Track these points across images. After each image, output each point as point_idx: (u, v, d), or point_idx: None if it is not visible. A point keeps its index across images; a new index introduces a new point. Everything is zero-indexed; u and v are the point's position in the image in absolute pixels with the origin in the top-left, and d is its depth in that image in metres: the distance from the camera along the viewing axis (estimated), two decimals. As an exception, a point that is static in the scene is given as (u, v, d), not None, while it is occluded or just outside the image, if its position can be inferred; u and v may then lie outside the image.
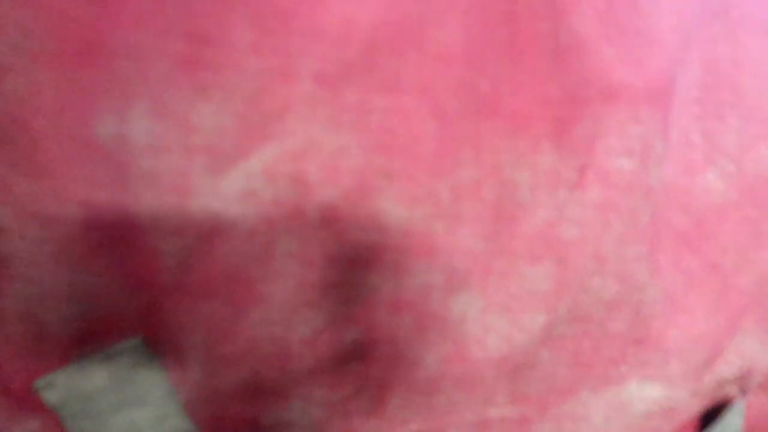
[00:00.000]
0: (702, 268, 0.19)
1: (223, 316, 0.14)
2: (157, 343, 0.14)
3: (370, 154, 0.14)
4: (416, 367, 0.16)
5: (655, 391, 0.20)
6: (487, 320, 0.16)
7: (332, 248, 0.14)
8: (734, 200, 0.19)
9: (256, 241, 0.14)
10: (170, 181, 0.13)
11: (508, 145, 0.16)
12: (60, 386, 0.14)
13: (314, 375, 0.15)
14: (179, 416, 0.14)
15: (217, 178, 0.13)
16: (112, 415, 0.14)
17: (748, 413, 0.31)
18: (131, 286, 0.13)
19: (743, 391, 0.25)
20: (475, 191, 0.15)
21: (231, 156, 0.13)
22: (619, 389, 0.19)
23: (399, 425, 0.16)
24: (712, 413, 0.25)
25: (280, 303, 0.14)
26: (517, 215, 0.16)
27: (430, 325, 0.15)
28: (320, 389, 0.15)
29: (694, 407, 0.24)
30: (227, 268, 0.14)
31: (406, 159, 0.14)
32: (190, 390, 0.14)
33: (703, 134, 0.18)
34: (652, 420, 0.21)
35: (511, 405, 0.17)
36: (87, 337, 0.14)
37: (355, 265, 0.14)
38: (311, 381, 0.15)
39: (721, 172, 0.19)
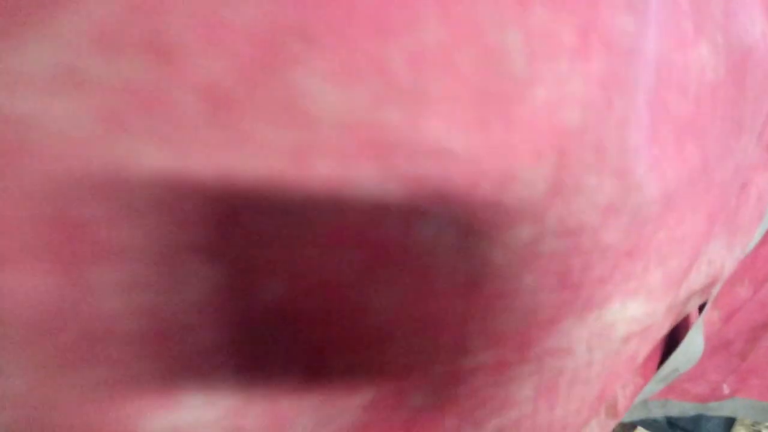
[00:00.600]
0: (700, 159, 0.16)
1: None
2: None
3: (279, 8, 0.09)
4: (362, 316, 0.11)
5: (637, 309, 0.17)
6: (465, 243, 0.12)
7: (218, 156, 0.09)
8: (722, 78, 0.16)
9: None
10: None
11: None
12: None
13: (222, 348, 0.10)
14: None
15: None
16: None
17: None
18: None
19: (703, 305, 0.23)
20: (444, 61, 0.11)
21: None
22: (601, 312, 0.16)
23: (345, 394, 0.12)
24: (674, 333, 0.24)
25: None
26: (510, 95, 0.11)
27: (383, 258, 0.11)
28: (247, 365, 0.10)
29: (666, 325, 0.22)
30: None
31: (336, 14, 0.09)
32: None
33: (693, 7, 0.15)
34: (630, 343, 0.18)
35: (486, 350, 0.13)
36: None
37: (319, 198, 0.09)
38: (217, 354, 0.10)
39: (712, 46, 0.15)
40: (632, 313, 0.17)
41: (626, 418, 0.32)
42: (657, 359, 0.24)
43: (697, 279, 0.20)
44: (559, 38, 0.11)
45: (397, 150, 0.10)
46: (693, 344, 0.24)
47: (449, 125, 0.11)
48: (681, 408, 0.36)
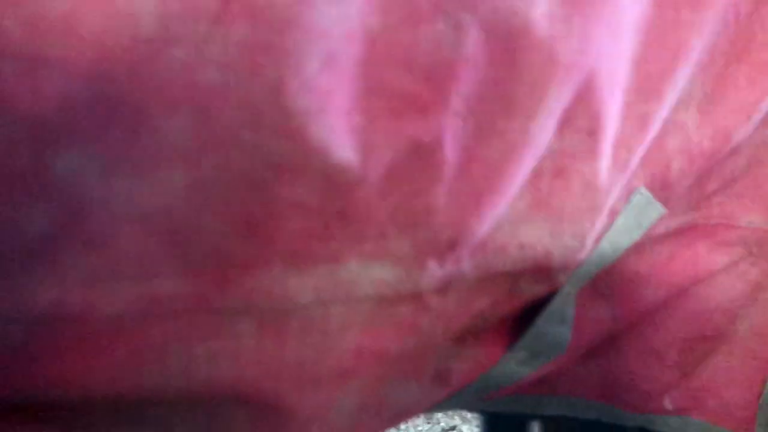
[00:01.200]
0: (429, 134, 0.17)
1: None
2: None
3: None
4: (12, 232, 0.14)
5: (385, 273, 0.18)
6: (113, 181, 0.14)
7: None
8: (470, 57, 0.16)
9: None
10: None
11: None
12: None
13: None
14: None
15: None
16: None
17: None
18: None
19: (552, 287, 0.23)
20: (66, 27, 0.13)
21: None
22: (333, 268, 0.17)
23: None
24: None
25: None
26: (143, 51, 0.13)
27: (22, 182, 0.13)
28: None
29: (484, 300, 0.22)
30: None
31: None
32: None
33: None
34: (399, 308, 0.19)
35: (182, 278, 0.15)
36: None
37: None
38: None
39: (454, 22, 0.16)
40: (378, 275, 0.18)
41: (513, 408, 0.32)
42: (503, 341, 0.25)
43: (504, 260, 0.20)
44: (197, 3, 0.13)
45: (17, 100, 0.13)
46: (557, 316, 0.24)
47: (75, 75, 0.13)
48: (603, 411, 0.34)
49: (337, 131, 0.15)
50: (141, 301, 0.15)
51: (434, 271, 0.19)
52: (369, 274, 0.18)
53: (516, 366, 0.26)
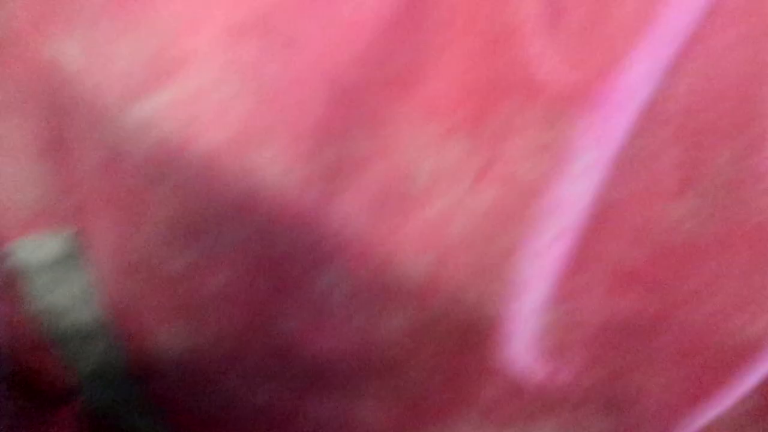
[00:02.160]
0: (650, 317, 0.16)
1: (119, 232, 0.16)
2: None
3: (257, 108, 0.15)
4: (271, 331, 0.16)
5: None
6: (352, 304, 0.16)
7: (211, 190, 0.15)
8: (708, 243, 0.16)
9: (142, 173, 0.15)
10: (87, 106, 0.15)
11: (416, 128, 0.15)
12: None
13: (180, 312, 0.16)
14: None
15: (124, 109, 0.15)
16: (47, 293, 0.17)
17: None
18: None
19: None
20: (364, 166, 0.15)
21: (137, 91, 0.15)
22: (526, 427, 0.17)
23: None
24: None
25: (158, 231, 0.16)
26: (411, 202, 0.15)
27: (289, 291, 0.16)
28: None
29: None
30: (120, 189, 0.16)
31: (292, 119, 0.15)
32: None
33: (683, 155, 0.16)
34: None
35: (383, 405, 0.16)
36: None
37: (223, 212, 0.15)
38: (176, 318, 0.16)
39: (697, 209, 0.16)
40: None
41: None
42: None
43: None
44: (463, 166, 0.15)
45: (311, 217, 0.15)
46: None
47: (357, 211, 0.15)
48: None
49: (552, 294, 0.15)
50: (340, 416, 0.17)
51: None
52: None
53: None
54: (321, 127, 0.15)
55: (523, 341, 0.16)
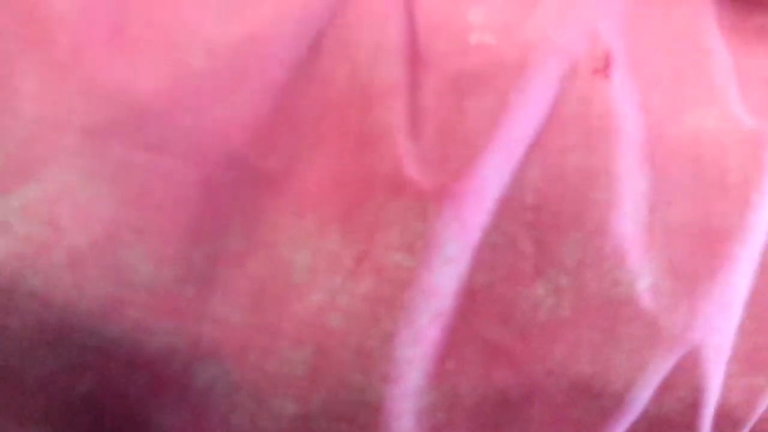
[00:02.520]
0: (522, 392, 0.17)
1: None
2: None
3: (123, 208, 0.15)
4: (148, 429, 0.15)
5: None
6: (234, 399, 0.15)
7: (73, 294, 0.15)
8: (566, 318, 0.17)
9: (2, 273, 0.14)
10: None
11: (290, 222, 0.16)
12: None
13: (47, 418, 0.15)
14: None
15: None
16: None
17: None
18: None
19: None
20: (240, 261, 0.15)
21: None
22: None
23: None
24: None
25: (17, 337, 0.15)
26: (288, 295, 0.15)
27: (167, 389, 0.15)
28: None
29: None
30: None
31: (161, 219, 0.15)
32: None
33: (536, 243, 0.17)
34: None
35: None
36: None
37: (93, 314, 0.15)
38: (43, 424, 0.15)
39: (554, 288, 0.17)
40: None
41: None
42: None
43: None
44: (338, 259, 0.15)
45: (187, 315, 0.15)
46: None
47: (233, 306, 0.15)
48: None
49: (431, 374, 0.16)
50: None
51: None
52: None
53: None
54: (193, 225, 0.15)
55: (408, 424, 0.17)
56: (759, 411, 0.21)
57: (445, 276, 0.16)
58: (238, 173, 0.15)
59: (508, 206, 0.17)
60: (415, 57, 0.17)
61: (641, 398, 0.18)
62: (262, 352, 0.15)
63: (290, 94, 0.16)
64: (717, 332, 0.19)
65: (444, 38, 0.17)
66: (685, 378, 0.19)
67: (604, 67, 0.19)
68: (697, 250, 0.18)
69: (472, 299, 0.17)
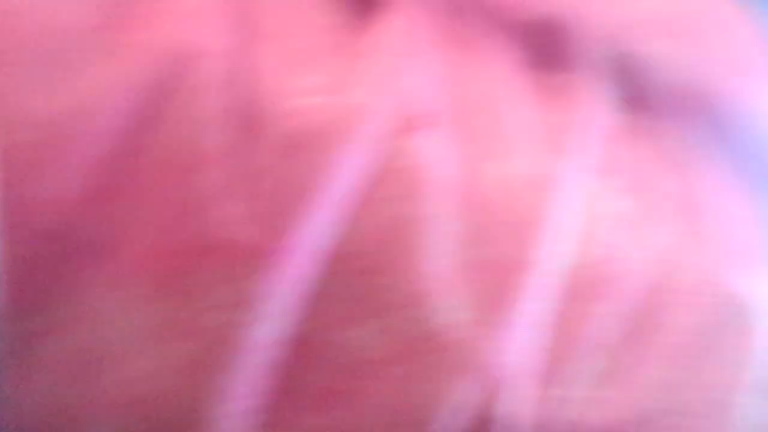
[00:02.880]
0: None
1: None
2: None
3: None
4: None
5: None
6: None
7: None
8: (386, 356, 0.19)
9: None
10: None
11: (108, 293, 0.16)
12: None
13: None
14: None
15: None
16: None
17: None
18: None
19: None
20: (57, 335, 0.16)
21: None
22: None
23: None
24: None
25: None
26: (109, 364, 0.16)
27: None
28: None
29: None
30: None
31: None
32: None
33: (359, 289, 0.19)
34: None
35: None
36: None
37: None
38: None
39: (378, 330, 0.19)
40: None
41: None
42: None
43: None
44: (161, 324, 0.16)
45: None
46: None
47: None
48: None
49: (267, 427, 0.17)
50: None
51: None
52: None
53: None
54: (5, 304, 0.15)
55: None
56: (560, 420, 0.24)
57: (274, 330, 0.17)
58: (59, 247, 0.16)
59: (332, 257, 0.18)
60: (249, 120, 0.18)
61: (448, 423, 0.20)
62: (84, 424, 0.15)
63: (116, 165, 0.17)
64: (518, 354, 0.22)
65: (279, 101, 0.18)
66: (487, 398, 0.21)
67: (418, 126, 0.21)
68: (498, 283, 0.20)
69: (301, 348, 0.18)
